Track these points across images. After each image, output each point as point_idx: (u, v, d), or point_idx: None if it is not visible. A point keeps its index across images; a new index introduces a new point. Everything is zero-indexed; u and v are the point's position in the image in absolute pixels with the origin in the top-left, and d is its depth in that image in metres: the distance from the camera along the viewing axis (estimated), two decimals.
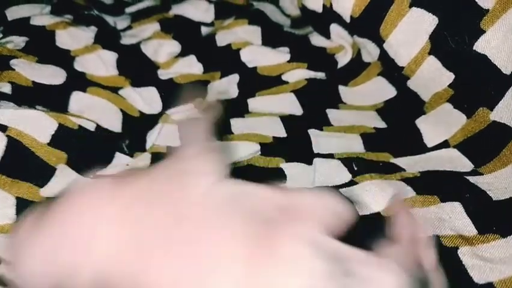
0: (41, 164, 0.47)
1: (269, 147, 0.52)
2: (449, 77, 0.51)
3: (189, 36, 0.69)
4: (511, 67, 0.46)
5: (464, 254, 0.38)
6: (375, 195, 0.44)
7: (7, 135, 0.45)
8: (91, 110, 0.55)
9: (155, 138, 0.55)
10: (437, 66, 0.51)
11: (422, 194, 0.44)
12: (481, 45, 0.47)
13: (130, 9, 0.77)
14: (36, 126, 0.48)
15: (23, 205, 0.43)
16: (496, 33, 0.46)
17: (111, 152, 0.52)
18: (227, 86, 0.63)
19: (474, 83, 0.49)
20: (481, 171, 0.47)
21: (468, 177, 0.46)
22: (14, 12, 0.67)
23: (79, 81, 0.58)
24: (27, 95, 0.53)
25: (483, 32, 0.47)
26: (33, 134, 0.47)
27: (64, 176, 0.47)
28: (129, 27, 0.71)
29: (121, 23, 0.72)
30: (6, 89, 0.52)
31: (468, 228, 0.41)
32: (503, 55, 0.46)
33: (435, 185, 0.45)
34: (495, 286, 0.36)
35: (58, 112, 0.51)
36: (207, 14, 0.72)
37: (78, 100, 0.56)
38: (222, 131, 0.55)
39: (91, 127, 0.53)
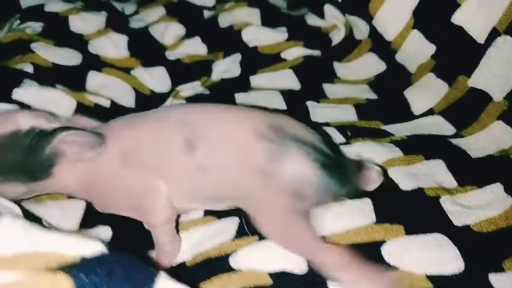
0: None
1: None
2: (431, 48, 0.56)
3: (193, 19, 0.73)
4: (484, 37, 0.51)
5: (445, 201, 0.43)
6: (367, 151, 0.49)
7: None
8: (106, 88, 0.60)
9: None
10: (420, 39, 0.56)
11: (408, 154, 0.49)
12: (457, 18, 0.52)
13: None
14: (57, 104, 0.52)
15: None
16: (470, 7, 0.51)
17: None
18: (230, 65, 0.68)
19: (453, 53, 0.54)
20: (462, 134, 0.53)
21: (451, 140, 0.51)
22: (27, 0, 0.71)
23: (94, 63, 0.63)
24: (47, 75, 0.57)
25: (458, 5, 0.52)
26: (55, 112, 0.51)
27: None
28: (136, 12, 0.75)
29: (128, 8, 0.76)
30: (29, 69, 0.56)
31: (449, 180, 0.46)
32: (477, 26, 0.51)
33: (421, 146, 0.50)
34: (472, 228, 0.41)
35: (76, 91, 0.56)
36: None
37: (94, 79, 0.60)
38: None
39: (106, 104, 0.57)
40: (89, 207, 0.46)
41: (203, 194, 0.41)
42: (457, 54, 0.53)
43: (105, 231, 0.45)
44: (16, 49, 0.58)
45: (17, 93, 0.50)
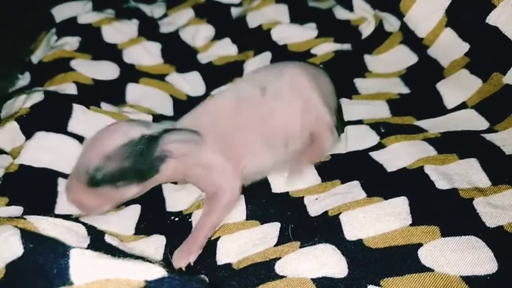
0: None
1: None
2: (465, 46, 0.55)
3: (221, 19, 0.74)
4: None
5: (479, 203, 0.44)
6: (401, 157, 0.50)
7: None
8: (145, 99, 0.63)
9: None
10: (453, 37, 0.56)
11: (442, 153, 0.50)
12: (492, 19, 0.52)
13: None
14: None
15: None
16: (506, 8, 0.51)
17: None
18: (261, 64, 0.69)
19: (488, 52, 0.53)
20: (496, 129, 0.53)
21: (484, 135, 0.52)
22: (59, 12, 0.74)
23: (131, 73, 0.65)
24: (90, 92, 0.60)
25: (494, 6, 0.52)
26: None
27: None
28: (165, 15, 0.77)
29: (156, 10, 0.78)
30: (72, 89, 0.59)
31: (483, 181, 0.47)
32: None
33: (455, 144, 0.51)
34: (505, 228, 0.42)
35: (118, 106, 0.60)
36: None
37: (133, 91, 0.63)
38: None
39: (149, 119, 0.60)
40: (143, 215, 0.50)
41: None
42: (492, 53, 0.53)
43: (159, 240, 0.48)
44: (58, 68, 0.62)
45: (71, 126, 0.53)
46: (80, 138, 0.53)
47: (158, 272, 0.31)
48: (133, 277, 0.30)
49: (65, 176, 0.50)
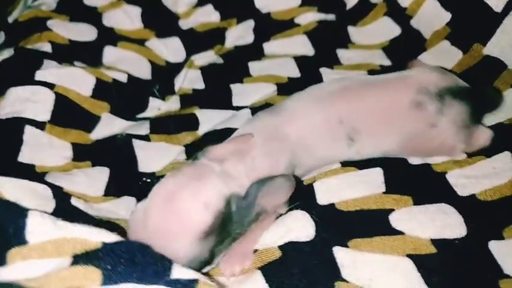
0: (88, 114, 0.54)
1: (285, 87, 0.59)
2: (446, 16, 0.55)
3: None
4: (501, 5, 0.50)
5: (452, 176, 0.44)
6: None
7: (55, 92, 0.52)
8: (123, 62, 0.62)
9: (181, 81, 0.62)
10: (435, 5, 0.55)
11: None
12: None
13: None
14: (78, 81, 0.55)
15: (77, 148, 0.51)
16: None
17: (145, 98, 0.60)
18: (243, 32, 0.68)
19: (469, 21, 0.53)
20: None
21: None
22: None
23: (110, 37, 0.64)
24: (65, 52, 0.59)
25: None
26: (76, 89, 0.54)
27: (108, 123, 0.55)
28: None
29: None
30: (47, 48, 0.58)
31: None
32: None
33: None
34: (477, 196, 0.42)
35: (94, 67, 0.58)
36: None
37: (110, 54, 0.62)
38: (241, 74, 0.62)
39: (123, 78, 0.59)
40: (114, 175, 0.49)
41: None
42: (473, 22, 0.53)
43: (130, 201, 0.47)
44: (33, 27, 0.60)
45: (39, 75, 0.52)
46: (50, 86, 0.51)
47: (116, 238, 0.30)
48: (90, 238, 0.29)
49: (32, 123, 0.49)
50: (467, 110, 0.44)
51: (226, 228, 0.36)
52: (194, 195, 0.35)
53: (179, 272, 0.28)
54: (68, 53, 0.59)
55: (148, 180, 0.50)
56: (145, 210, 0.35)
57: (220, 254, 0.38)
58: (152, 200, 0.35)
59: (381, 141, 0.45)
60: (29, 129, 0.48)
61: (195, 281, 0.28)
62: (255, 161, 0.40)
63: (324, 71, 0.60)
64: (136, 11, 0.68)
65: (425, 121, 0.44)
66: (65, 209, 0.41)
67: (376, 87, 0.46)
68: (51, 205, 0.41)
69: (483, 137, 0.46)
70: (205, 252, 0.35)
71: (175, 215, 0.34)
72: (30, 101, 0.50)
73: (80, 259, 0.27)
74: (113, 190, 0.48)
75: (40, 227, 0.29)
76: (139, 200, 0.47)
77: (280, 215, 0.42)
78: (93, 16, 0.66)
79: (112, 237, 0.30)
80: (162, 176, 0.48)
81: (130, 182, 0.49)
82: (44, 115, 0.50)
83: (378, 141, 0.45)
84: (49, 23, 0.61)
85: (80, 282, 0.26)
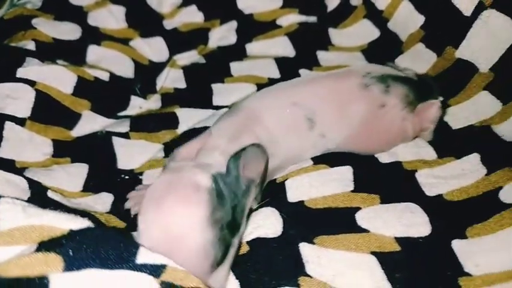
0: (68, 112, 0.55)
1: (265, 87, 0.59)
2: (420, 19, 0.56)
3: None
4: (470, 10, 0.51)
5: (421, 175, 0.45)
6: None
7: (35, 89, 0.52)
8: (106, 61, 0.63)
9: (163, 81, 0.63)
10: (410, 9, 0.56)
11: None
12: None
13: None
14: (59, 79, 0.55)
15: (57, 144, 0.52)
16: None
17: (127, 96, 0.60)
18: (226, 32, 0.69)
19: (441, 24, 0.54)
20: (449, 103, 0.53)
21: None
22: None
23: (94, 36, 0.65)
24: (49, 51, 0.59)
25: None
26: (58, 87, 0.55)
27: (89, 120, 0.56)
28: None
29: None
30: (31, 45, 0.58)
31: (430, 153, 0.48)
32: None
33: None
34: (444, 196, 0.43)
35: (76, 65, 0.59)
36: None
37: (94, 53, 0.63)
38: (222, 74, 0.63)
39: (105, 77, 0.60)
40: (93, 172, 0.50)
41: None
42: (445, 25, 0.54)
43: (107, 197, 0.48)
44: (18, 26, 0.60)
45: (20, 72, 0.52)
46: (30, 83, 0.52)
47: (83, 223, 0.30)
48: (57, 225, 0.30)
49: (12, 119, 0.49)
50: (409, 90, 0.48)
51: (224, 205, 0.36)
52: (184, 186, 0.35)
53: (146, 257, 0.28)
54: (52, 51, 0.59)
55: (127, 177, 0.51)
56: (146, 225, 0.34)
57: (235, 245, 0.37)
58: (146, 211, 0.35)
59: (339, 122, 0.47)
60: (9, 125, 0.49)
61: (163, 266, 0.28)
62: (226, 149, 0.41)
63: (303, 72, 0.61)
64: (121, 11, 0.68)
65: (374, 102, 0.47)
66: (40, 200, 0.42)
67: (327, 76, 0.51)
68: (25, 195, 0.41)
69: (432, 108, 0.48)
70: (218, 239, 0.34)
71: (177, 209, 0.34)
72: (10, 98, 0.50)
73: (43, 246, 0.28)
74: (91, 186, 0.49)
75: (9, 214, 0.30)
76: (116, 196, 0.48)
77: (251, 211, 0.43)
78: (78, 15, 0.67)
79: (81, 223, 0.30)
80: (140, 174, 0.51)
81: (109, 178, 0.50)
82: (25, 112, 0.51)
83: (336, 123, 0.47)
84: (34, 21, 0.62)
85: (41, 268, 0.26)
